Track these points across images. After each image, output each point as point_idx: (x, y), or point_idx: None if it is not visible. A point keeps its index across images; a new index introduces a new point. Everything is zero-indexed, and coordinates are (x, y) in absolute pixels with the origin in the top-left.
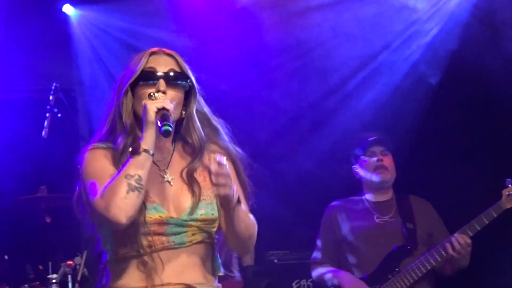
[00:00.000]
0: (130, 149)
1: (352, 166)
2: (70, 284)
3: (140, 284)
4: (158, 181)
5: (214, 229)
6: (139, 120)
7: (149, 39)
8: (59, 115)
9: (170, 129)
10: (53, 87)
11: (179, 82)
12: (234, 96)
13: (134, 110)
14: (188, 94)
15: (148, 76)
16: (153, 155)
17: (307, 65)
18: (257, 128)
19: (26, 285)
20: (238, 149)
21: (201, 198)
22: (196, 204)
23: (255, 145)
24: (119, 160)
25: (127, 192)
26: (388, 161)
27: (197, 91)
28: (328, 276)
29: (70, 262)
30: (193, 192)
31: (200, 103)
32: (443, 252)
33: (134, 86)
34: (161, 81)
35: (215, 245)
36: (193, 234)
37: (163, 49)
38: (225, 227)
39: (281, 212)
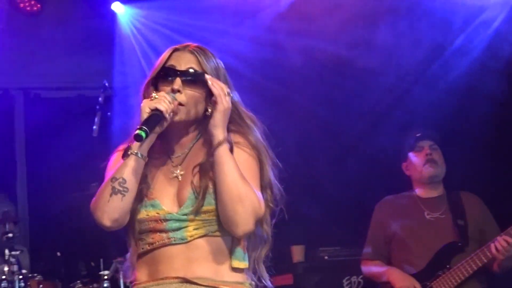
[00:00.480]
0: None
1: (402, 163)
2: (121, 280)
3: (145, 279)
4: (167, 177)
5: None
6: None
7: (197, 37)
8: (108, 113)
9: (142, 134)
10: (103, 86)
11: (196, 81)
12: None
13: None
14: None
15: (167, 74)
16: (143, 157)
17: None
18: (311, 130)
19: (78, 282)
20: (268, 149)
21: (201, 187)
22: (196, 196)
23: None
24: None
25: (110, 195)
26: (437, 155)
27: None
28: (378, 272)
29: (121, 259)
30: (195, 185)
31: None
32: (487, 253)
33: (156, 83)
34: (177, 80)
35: (233, 237)
36: (195, 229)
37: (189, 45)
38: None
39: (330, 209)
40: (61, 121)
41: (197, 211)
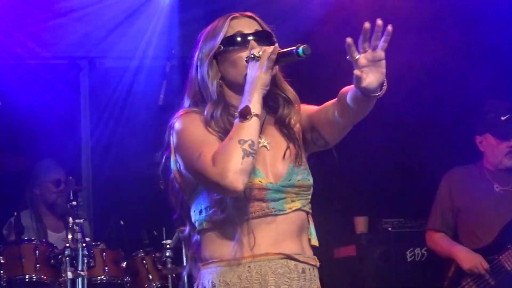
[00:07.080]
0: (238, 113)
1: (475, 135)
2: (184, 250)
3: (235, 255)
4: None
5: (309, 196)
6: (231, 87)
7: None
8: (164, 80)
9: (307, 46)
10: (170, 54)
11: (267, 41)
12: None
13: (222, 77)
14: None
15: (235, 41)
16: (261, 118)
17: None
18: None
19: (141, 250)
20: None
21: (297, 163)
22: (294, 170)
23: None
24: (211, 128)
25: (243, 157)
26: None
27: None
28: (443, 247)
29: (184, 228)
30: (290, 158)
31: None
32: None
33: (218, 53)
34: (252, 42)
35: (311, 214)
36: (292, 201)
37: (244, 13)
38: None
39: (395, 179)
40: (126, 89)
41: (294, 185)
